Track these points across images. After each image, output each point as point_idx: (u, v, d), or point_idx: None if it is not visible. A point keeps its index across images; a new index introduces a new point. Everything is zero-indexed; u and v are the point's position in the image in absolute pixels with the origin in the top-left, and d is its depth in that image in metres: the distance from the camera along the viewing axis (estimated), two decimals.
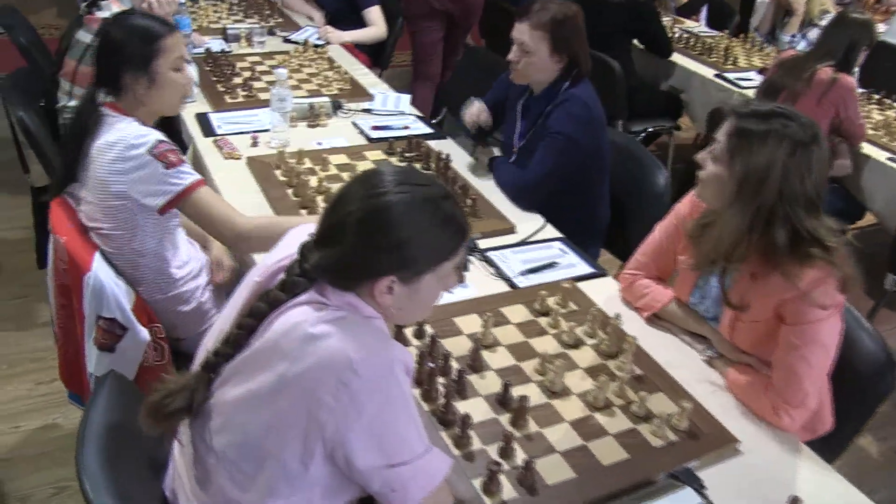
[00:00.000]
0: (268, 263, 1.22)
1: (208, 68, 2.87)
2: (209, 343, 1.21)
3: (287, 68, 2.88)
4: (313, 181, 2.11)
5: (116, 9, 2.41)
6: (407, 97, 2.85)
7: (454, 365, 1.52)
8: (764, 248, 1.47)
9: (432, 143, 2.46)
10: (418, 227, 1.08)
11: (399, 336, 1.58)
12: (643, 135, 3.76)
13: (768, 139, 1.42)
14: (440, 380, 1.47)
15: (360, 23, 3.61)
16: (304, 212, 1.97)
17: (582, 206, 2.34)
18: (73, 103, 2.44)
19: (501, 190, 2.28)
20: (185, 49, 1.78)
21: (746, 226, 1.46)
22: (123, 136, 1.64)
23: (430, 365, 1.45)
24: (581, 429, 1.42)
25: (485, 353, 1.57)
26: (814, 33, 4.04)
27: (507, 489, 1.27)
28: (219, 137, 2.36)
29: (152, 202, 1.65)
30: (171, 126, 2.67)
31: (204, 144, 2.34)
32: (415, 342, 1.60)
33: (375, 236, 1.07)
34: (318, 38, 3.38)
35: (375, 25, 3.55)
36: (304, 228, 1.32)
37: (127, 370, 1.69)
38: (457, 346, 1.58)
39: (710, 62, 3.87)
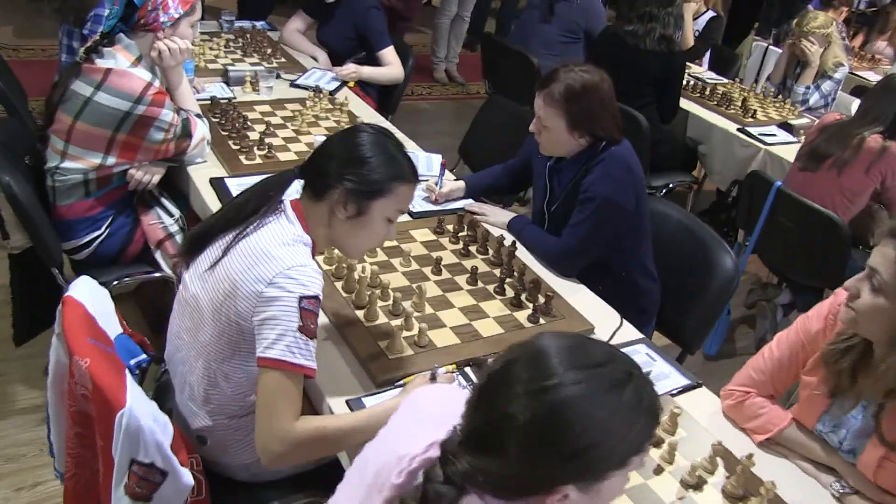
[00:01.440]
0: (400, 454, 0.95)
1: (216, 119, 2.56)
2: None
3: (301, 119, 2.60)
4: (364, 271, 1.83)
5: (122, 58, 2.09)
6: (438, 157, 2.60)
7: None
8: None
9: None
10: (603, 427, 0.85)
11: None
12: (664, 191, 3.58)
13: None
14: None
15: (369, 64, 3.36)
16: (359, 313, 1.70)
17: (620, 276, 2.13)
18: (66, 164, 2.11)
19: (533, 256, 2.08)
20: (410, 206, 1.55)
21: None
22: (284, 257, 1.35)
23: None
24: None
25: None
26: (827, 85, 3.97)
27: None
28: None
29: (257, 347, 1.34)
30: (171, 184, 2.36)
31: None
32: None
33: (550, 446, 0.84)
34: (331, 81, 3.09)
35: (393, 65, 3.30)
36: (431, 395, 1.07)
37: None
38: None
39: (728, 114, 3.73)
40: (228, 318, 1.39)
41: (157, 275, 2.26)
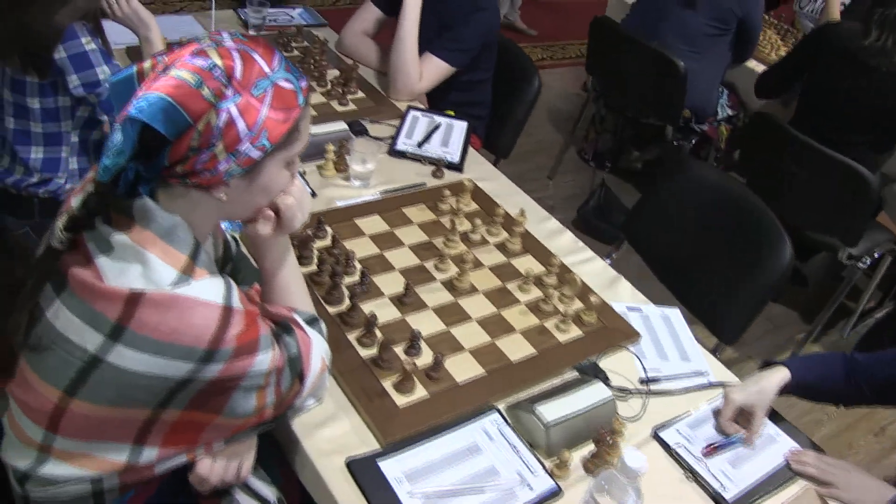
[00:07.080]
0: None
1: (308, 269, 1.40)
2: None
3: (449, 255, 1.47)
4: None
5: (159, 262, 0.93)
6: (677, 312, 1.55)
7: None
8: None
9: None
10: None
11: None
12: (868, 263, 2.59)
13: None
14: None
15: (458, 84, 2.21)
16: None
17: None
18: (52, 469, 0.99)
19: None
20: None
21: None
22: None
23: None
24: None
25: None
26: None
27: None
28: None
29: None
30: None
31: None
32: None
33: None
34: (450, 140, 1.92)
35: (413, 74, 2.09)
36: None
37: None
38: None
39: None
40: None
41: None
